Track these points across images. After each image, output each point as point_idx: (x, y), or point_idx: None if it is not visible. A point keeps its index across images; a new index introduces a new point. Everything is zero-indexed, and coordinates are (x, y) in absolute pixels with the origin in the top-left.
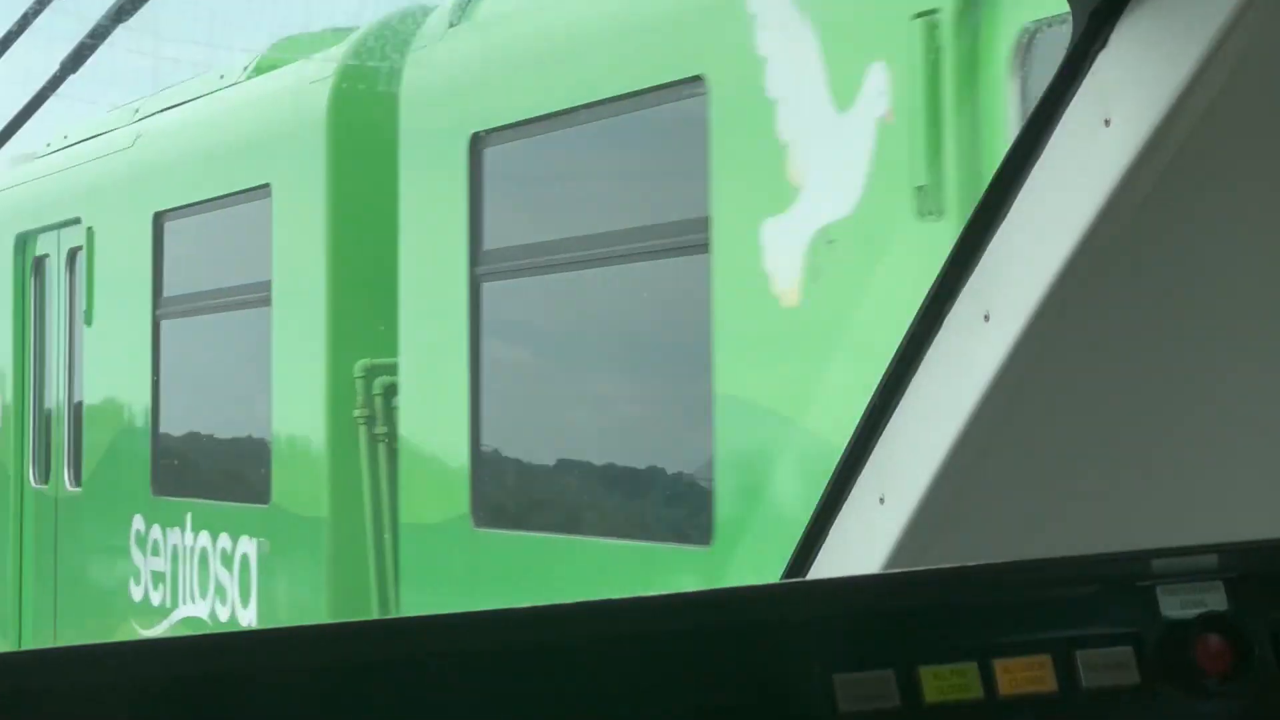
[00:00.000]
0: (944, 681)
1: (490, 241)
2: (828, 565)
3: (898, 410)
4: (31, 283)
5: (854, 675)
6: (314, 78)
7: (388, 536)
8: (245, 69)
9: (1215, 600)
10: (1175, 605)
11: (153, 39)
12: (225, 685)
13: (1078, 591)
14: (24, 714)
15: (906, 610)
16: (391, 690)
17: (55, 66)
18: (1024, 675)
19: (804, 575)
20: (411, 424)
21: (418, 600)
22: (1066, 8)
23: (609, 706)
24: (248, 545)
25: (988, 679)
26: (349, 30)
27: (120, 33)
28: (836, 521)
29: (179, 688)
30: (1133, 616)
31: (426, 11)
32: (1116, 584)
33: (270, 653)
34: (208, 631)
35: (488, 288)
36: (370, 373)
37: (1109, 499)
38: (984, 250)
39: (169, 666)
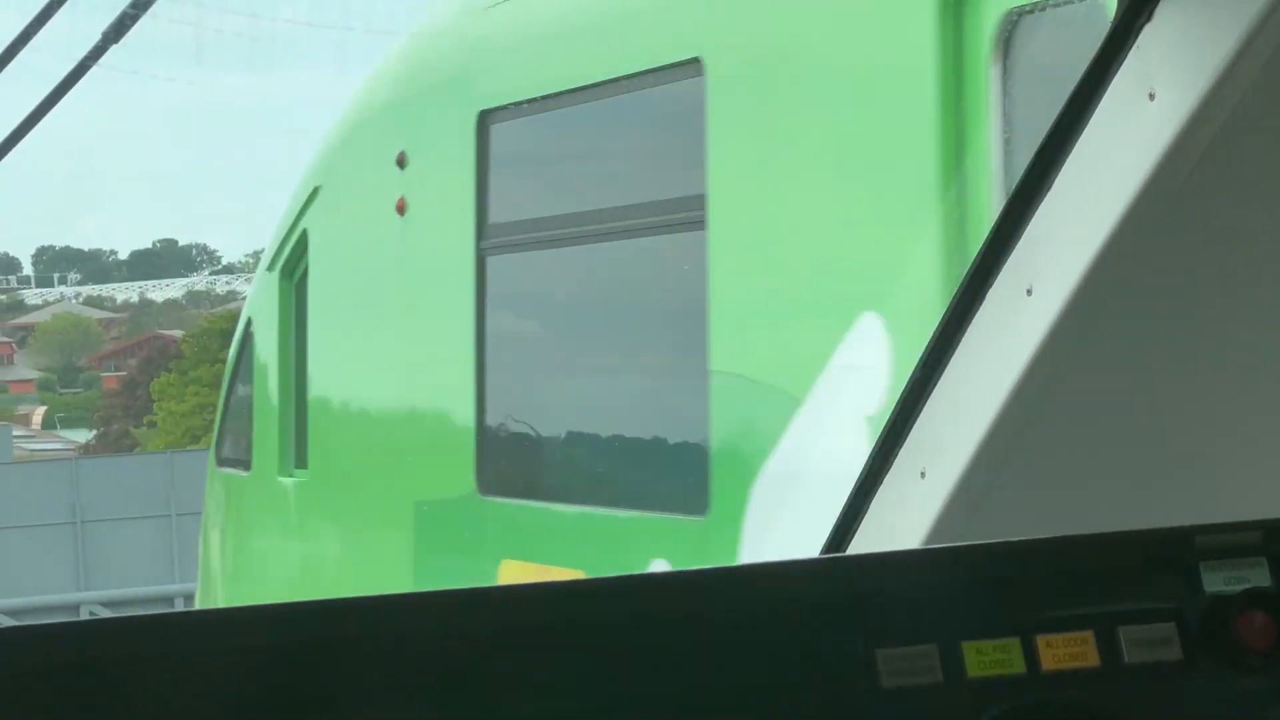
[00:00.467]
0: (986, 656)
1: None
2: (867, 541)
3: (939, 384)
4: None
5: (896, 650)
6: None
7: None
8: None
9: (1258, 576)
10: (1218, 581)
11: (195, 8)
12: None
13: (1121, 567)
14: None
15: (949, 585)
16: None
17: (97, 36)
18: (1067, 651)
19: (845, 548)
20: None
21: None
22: None
23: (652, 681)
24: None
25: (1030, 654)
26: None
27: (162, 3)
28: (876, 496)
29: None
30: (1176, 592)
31: None
32: (1160, 560)
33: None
34: None
35: None
36: None
37: (1152, 474)
38: (1026, 224)
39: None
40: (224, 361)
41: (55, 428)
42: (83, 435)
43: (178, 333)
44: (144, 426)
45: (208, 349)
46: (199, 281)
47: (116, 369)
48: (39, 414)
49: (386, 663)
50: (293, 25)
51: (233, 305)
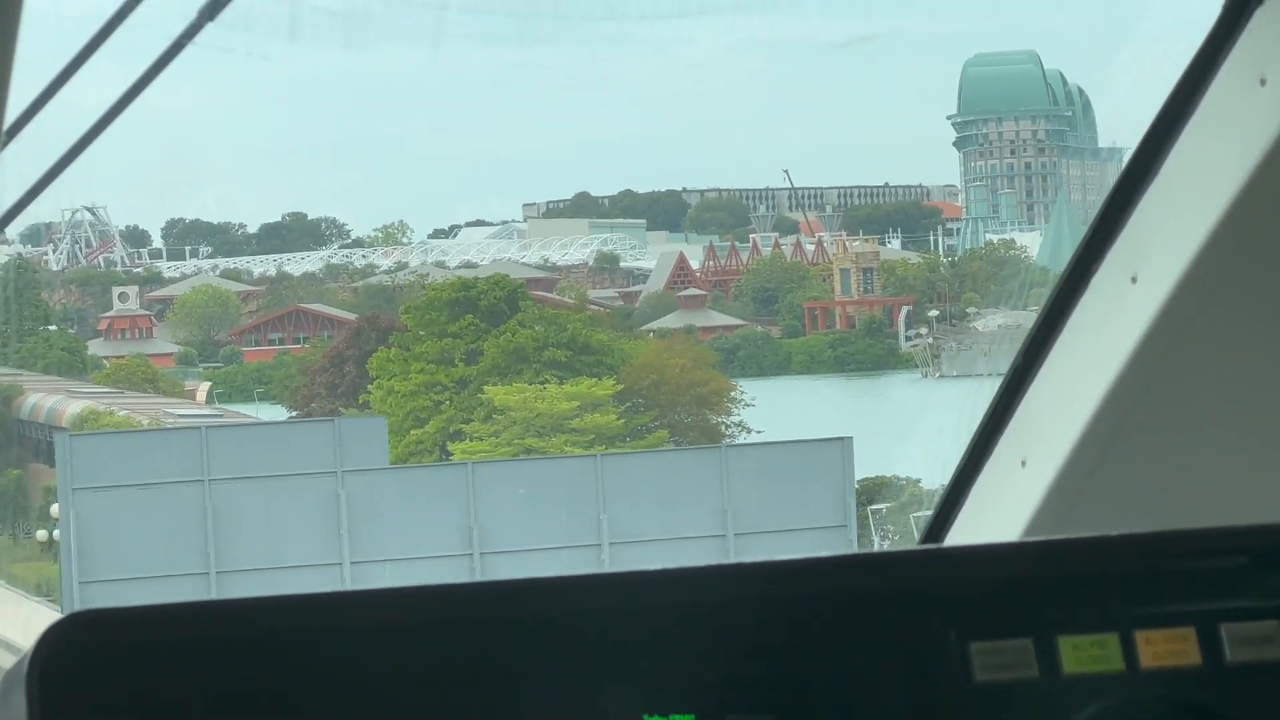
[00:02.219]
0: (1083, 652)
1: None
2: (967, 528)
3: (1041, 372)
4: None
5: (991, 644)
6: None
7: None
8: None
9: None
10: None
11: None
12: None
13: (1224, 563)
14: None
15: (1046, 579)
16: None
17: (193, 15)
18: (1166, 648)
19: (943, 538)
20: None
21: None
22: None
23: (749, 666)
24: None
25: (1129, 651)
26: None
27: None
28: (976, 484)
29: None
30: (1278, 589)
31: None
32: (1264, 556)
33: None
34: None
35: None
36: None
37: (1259, 467)
38: (1132, 210)
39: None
40: (454, 336)
41: (214, 403)
42: (264, 412)
43: (319, 306)
44: (356, 407)
45: (434, 322)
46: (335, 255)
47: (256, 343)
48: (203, 390)
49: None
50: (387, 18)
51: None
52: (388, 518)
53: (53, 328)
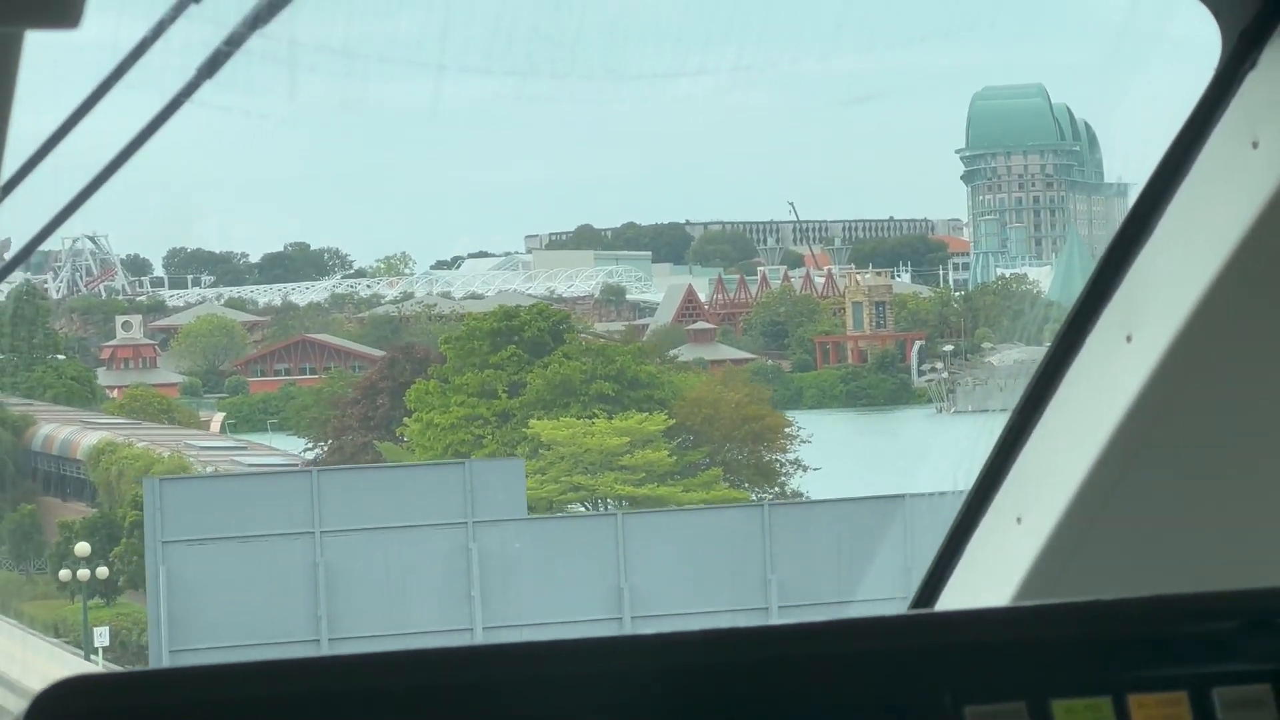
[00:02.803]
0: (1077, 716)
1: None
2: (962, 586)
3: (1036, 430)
4: None
5: (985, 707)
6: None
7: None
8: None
9: None
10: None
11: (288, 45)
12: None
13: (1217, 627)
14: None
15: (1040, 642)
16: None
17: (190, 73)
18: (1159, 712)
19: (938, 592)
20: None
21: None
22: None
23: None
24: None
25: (1122, 714)
26: None
27: (256, 40)
28: (972, 539)
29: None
30: (1273, 654)
31: None
32: (1257, 620)
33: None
34: None
35: None
36: None
37: (1253, 529)
38: (1127, 270)
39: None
40: (496, 367)
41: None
42: (278, 443)
43: (326, 336)
44: (391, 440)
45: (475, 353)
46: (339, 285)
47: (262, 373)
48: (217, 420)
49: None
50: (385, 63)
51: (381, 309)
52: (525, 575)
53: (61, 357)
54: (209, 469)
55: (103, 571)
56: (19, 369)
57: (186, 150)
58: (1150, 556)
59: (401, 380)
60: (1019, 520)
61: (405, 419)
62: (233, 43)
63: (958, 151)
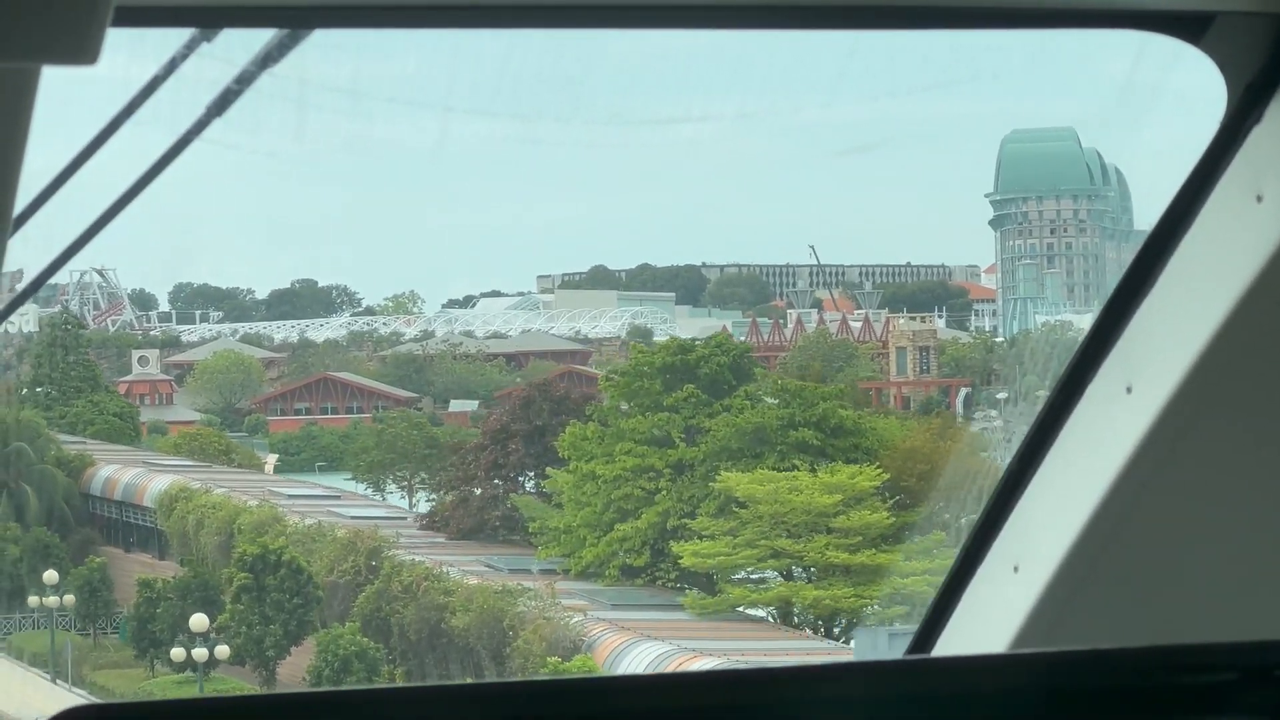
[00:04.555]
0: None
1: None
2: (958, 632)
3: (1035, 478)
4: None
5: None
6: None
7: None
8: None
9: None
10: None
11: (297, 85)
12: None
13: (1214, 679)
14: None
15: (1036, 690)
16: None
17: (201, 110)
18: None
19: (934, 640)
20: None
21: None
22: None
23: None
24: None
25: None
26: None
27: (265, 79)
28: (969, 588)
29: None
30: (1271, 706)
31: None
32: (1254, 672)
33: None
34: None
35: None
36: None
37: (1251, 581)
38: (1128, 321)
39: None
40: (671, 410)
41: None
42: (327, 479)
43: (347, 375)
44: (533, 493)
45: (644, 392)
46: (354, 322)
47: (282, 412)
48: (270, 462)
49: None
50: (392, 104)
51: (404, 348)
52: None
53: (104, 390)
54: (308, 521)
55: (223, 651)
56: (55, 402)
57: (193, 186)
58: (1147, 607)
59: (538, 423)
60: (1016, 569)
61: (548, 468)
62: (243, 81)
63: (987, 195)
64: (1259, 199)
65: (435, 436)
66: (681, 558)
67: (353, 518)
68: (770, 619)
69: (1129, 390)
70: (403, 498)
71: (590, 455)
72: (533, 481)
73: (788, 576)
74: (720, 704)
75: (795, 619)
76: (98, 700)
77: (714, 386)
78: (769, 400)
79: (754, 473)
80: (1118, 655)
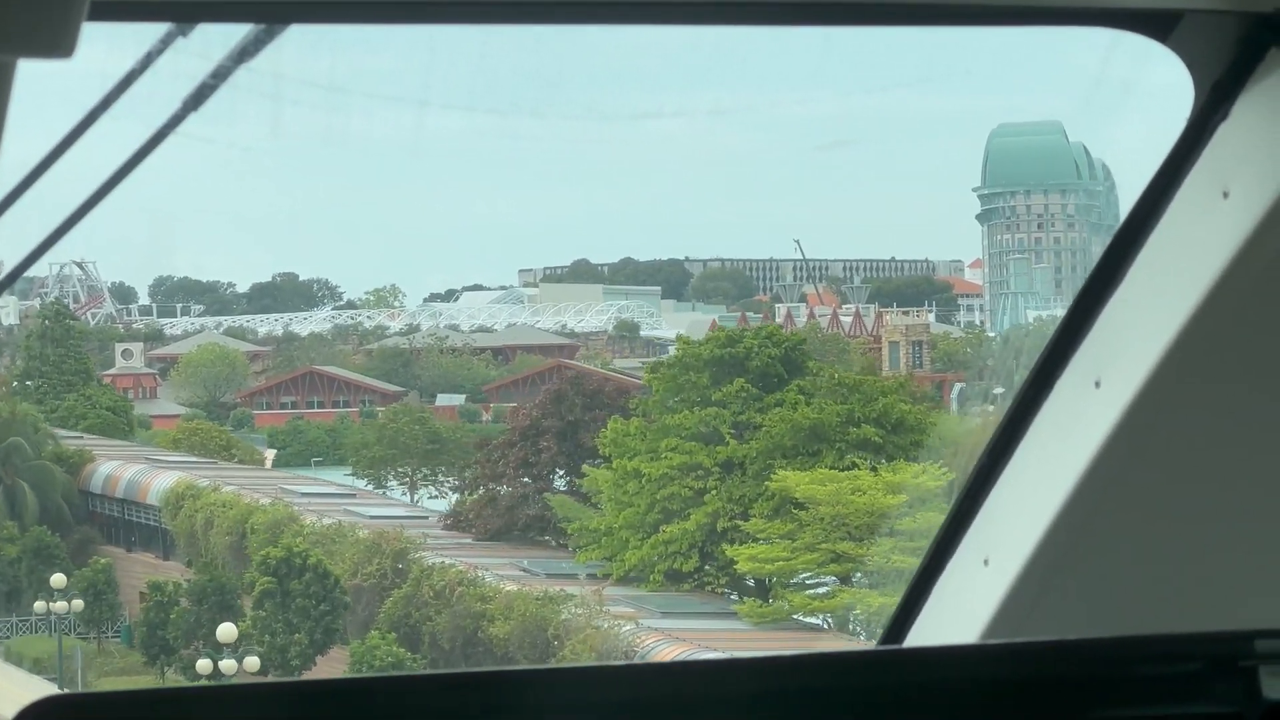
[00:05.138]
0: None
1: None
2: (929, 626)
3: (1005, 472)
4: None
5: None
6: None
7: None
8: None
9: None
10: (1279, 687)
11: (273, 80)
12: None
13: (1180, 669)
14: None
15: (1006, 681)
16: None
17: (177, 105)
18: None
19: (905, 633)
20: None
21: None
22: None
23: None
24: None
25: None
26: None
27: (241, 73)
28: (939, 581)
29: None
30: (1235, 696)
31: None
32: (1220, 663)
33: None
34: None
35: None
36: None
37: (1218, 572)
38: (1097, 316)
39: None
40: (719, 405)
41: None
42: (325, 474)
43: (334, 369)
44: (567, 492)
45: (691, 386)
46: (338, 316)
47: (268, 406)
48: (269, 457)
49: None
50: (369, 98)
51: (390, 342)
52: None
53: (95, 384)
54: (326, 521)
55: (252, 663)
56: (47, 396)
57: (173, 180)
58: (1116, 598)
59: (570, 418)
60: (986, 562)
61: (583, 464)
62: (219, 76)
63: (975, 190)
64: (1225, 195)
65: (438, 431)
66: (737, 562)
67: (372, 517)
68: (825, 626)
69: (1098, 384)
70: (404, 494)
71: (633, 452)
72: (564, 480)
73: (844, 581)
74: (694, 693)
75: (852, 627)
76: None
77: (764, 380)
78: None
79: (813, 472)
80: (1086, 646)
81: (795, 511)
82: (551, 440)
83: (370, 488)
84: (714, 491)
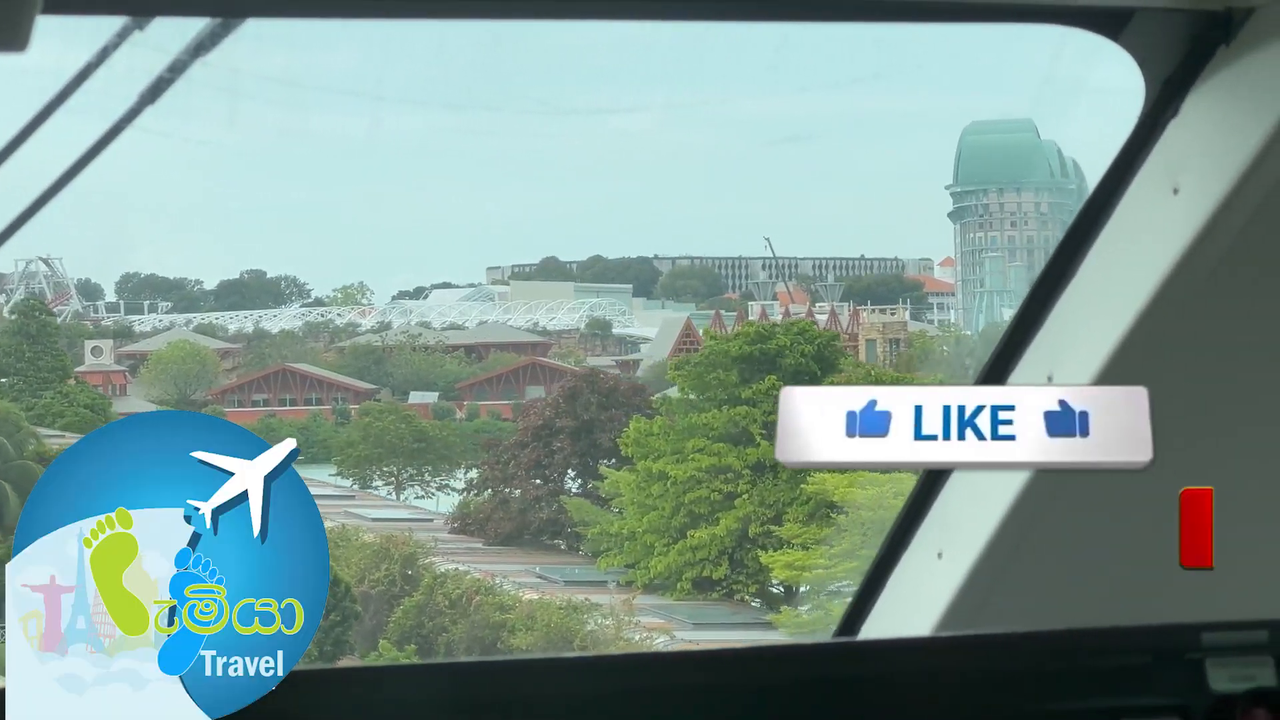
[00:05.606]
0: None
1: None
2: (883, 618)
3: (956, 468)
4: None
5: None
6: None
7: None
8: None
9: (1265, 675)
10: (1224, 679)
11: (230, 74)
12: None
13: (1127, 661)
14: None
15: (958, 672)
16: None
17: (133, 99)
18: None
19: (859, 626)
20: None
21: None
22: None
23: None
24: None
25: None
26: None
27: (198, 68)
28: (894, 575)
29: None
30: (1181, 688)
31: None
32: (1166, 655)
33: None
34: None
35: None
36: None
37: (1164, 567)
38: (1048, 313)
39: None
40: (749, 403)
41: None
42: (307, 471)
43: (306, 366)
44: (584, 495)
45: (719, 384)
46: (308, 313)
47: (240, 404)
48: None
49: None
50: (325, 93)
51: (363, 339)
52: None
53: (72, 381)
54: (329, 524)
55: None
56: (23, 394)
57: (135, 175)
58: (1065, 591)
59: (585, 417)
60: (940, 555)
61: (601, 465)
62: (175, 70)
63: (946, 187)
64: (1175, 191)
65: (424, 430)
66: (773, 569)
67: (375, 519)
68: None
69: (1049, 380)
70: (389, 494)
71: (658, 453)
72: (578, 483)
73: None
74: (643, 687)
75: None
76: None
77: (797, 378)
78: None
79: (852, 474)
80: (1035, 638)
81: (833, 516)
82: (565, 440)
83: (357, 488)
84: (745, 495)
